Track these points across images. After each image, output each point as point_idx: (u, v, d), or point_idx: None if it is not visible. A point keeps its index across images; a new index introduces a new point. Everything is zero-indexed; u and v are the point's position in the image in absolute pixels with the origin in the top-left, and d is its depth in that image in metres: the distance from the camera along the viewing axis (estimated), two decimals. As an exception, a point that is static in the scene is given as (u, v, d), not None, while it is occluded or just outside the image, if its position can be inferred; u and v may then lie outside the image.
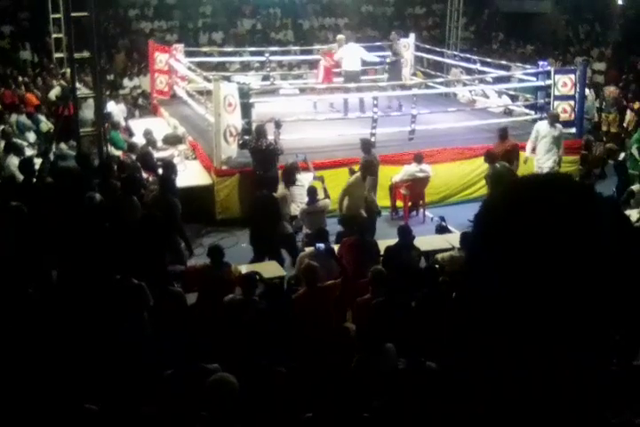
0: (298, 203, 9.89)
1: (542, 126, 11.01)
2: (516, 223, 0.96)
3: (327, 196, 9.53)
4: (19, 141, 11.64)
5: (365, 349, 5.63)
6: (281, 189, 9.18)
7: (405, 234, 7.84)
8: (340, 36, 14.59)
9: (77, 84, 9.76)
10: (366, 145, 10.03)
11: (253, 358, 5.53)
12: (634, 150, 11.97)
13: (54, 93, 14.68)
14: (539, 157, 10.89)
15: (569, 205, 0.96)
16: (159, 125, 13.02)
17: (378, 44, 17.84)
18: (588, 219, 0.96)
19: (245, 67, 18.17)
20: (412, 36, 16.88)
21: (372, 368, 5.26)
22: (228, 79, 12.77)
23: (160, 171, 9.07)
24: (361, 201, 9.21)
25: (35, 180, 7.85)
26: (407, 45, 16.44)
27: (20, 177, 8.69)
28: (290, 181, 9.22)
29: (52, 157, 10.86)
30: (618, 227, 0.98)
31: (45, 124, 13.65)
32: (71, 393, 4.25)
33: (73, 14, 8.68)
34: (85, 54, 9.04)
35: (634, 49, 20.46)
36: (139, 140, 11.56)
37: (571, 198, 0.98)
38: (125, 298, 5.96)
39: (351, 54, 13.58)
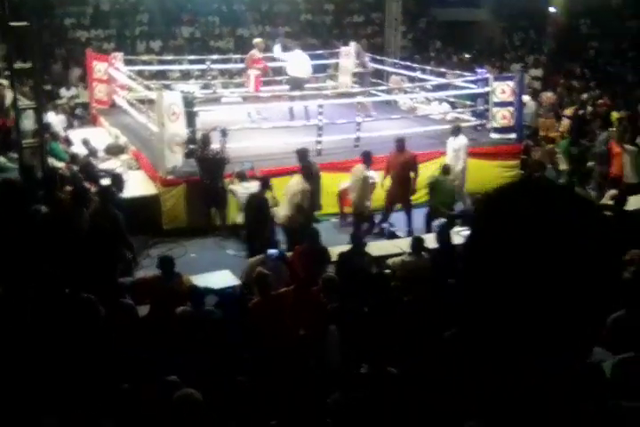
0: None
1: (448, 140, 11.33)
2: (508, 232, 0.98)
3: (276, 204, 9.54)
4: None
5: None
6: (302, 183, 9.31)
7: (357, 240, 7.90)
8: (256, 40, 14.52)
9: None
10: (302, 154, 10.01)
11: (212, 370, 5.48)
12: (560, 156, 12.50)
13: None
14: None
15: (558, 209, 1.00)
16: (100, 135, 12.81)
17: (319, 52, 17.98)
18: (578, 222, 0.99)
19: (185, 75, 18.01)
20: (353, 44, 17.03)
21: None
22: (168, 88, 12.65)
23: (104, 182, 8.94)
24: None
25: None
26: (348, 53, 16.58)
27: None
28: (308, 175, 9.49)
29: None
30: (599, 227, 1.02)
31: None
32: (30, 407, 4.13)
33: (12, 24, 8.45)
34: (26, 65, 8.82)
35: (568, 55, 21.12)
36: (78, 150, 11.34)
37: (559, 203, 1.01)
38: (76, 312, 5.83)
39: (298, 61, 13.61)
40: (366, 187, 10.00)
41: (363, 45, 19.96)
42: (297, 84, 13.53)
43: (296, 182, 9.39)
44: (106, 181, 9.47)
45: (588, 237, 0.98)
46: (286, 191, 9.44)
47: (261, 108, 13.24)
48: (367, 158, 10.11)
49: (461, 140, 11.19)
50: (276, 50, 14.45)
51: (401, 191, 10.30)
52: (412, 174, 10.34)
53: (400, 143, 10.50)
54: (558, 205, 1.00)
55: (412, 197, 10.89)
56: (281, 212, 9.37)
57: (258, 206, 9.11)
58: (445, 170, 10.37)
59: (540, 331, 0.98)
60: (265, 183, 9.31)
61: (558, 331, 0.98)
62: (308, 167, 9.75)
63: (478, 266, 1.02)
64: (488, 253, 1.00)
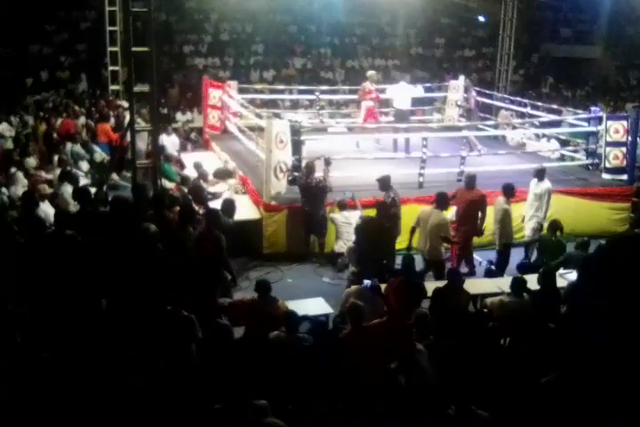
0: (345, 240, 9.91)
1: (531, 182, 10.55)
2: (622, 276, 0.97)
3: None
4: (74, 170, 11.91)
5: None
6: (441, 214, 9.20)
7: (454, 277, 7.77)
8: (370, 73, 14.73)
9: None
10: (384, 182, 9.84)
11: (297, 397, 5.49)
12: None
13: (109, 125, 15.04)
14: (524, 214, 10.51)
15: None
16: (210, 159, 13.24)
17: (427, 85, 18.01)
18: None
19: (295, 104, 18.42)
20: (462, 78, 16.98)
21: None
22: (278, 116, 12.96)
23: (212, 204, 9.21)
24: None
25: (91, 209, 7.99)
26: (457, 87, 16.53)
27: (74, 206, 8.86)
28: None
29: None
30: None
31: (99, 155, 13.97)
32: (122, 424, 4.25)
33: (134, 49, 8.90)
34: (144, 88, 9.24)
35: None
36: (190, 172, 11.75)
37: None
38: (175, 330, 5.99)
39: (402, 93, 13.71)
40: (507, 219, 9.77)
41: (472, 79, 19.91)
42: (400, 116, 13.58)
43: (434, 214, 9.22)
44: (215, 204, 9.76)
45: None
46: (422, 222, 9.29)
47: (369, 138, 13.37)
48: (508, 191, 9.82)
49: (545, 185, 10.33)
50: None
51: (465, 231, 9.67)
52: (479, 214, 9.71)
53: (470, 180, 9.90)
54: None
55: (519, 235, 10.63)
56: (422, 244, 9.30)
57: (373, 231, 8.97)
58: (553, 227, 9.47)
59: None
60: (382, 209, 9.21)
61: None
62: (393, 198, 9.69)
63: (600, 311, 1.02)
64: (612, 298, 1.00)
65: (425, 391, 5.37)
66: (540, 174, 10.40)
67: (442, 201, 9.28)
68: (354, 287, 7.88)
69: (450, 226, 9.34)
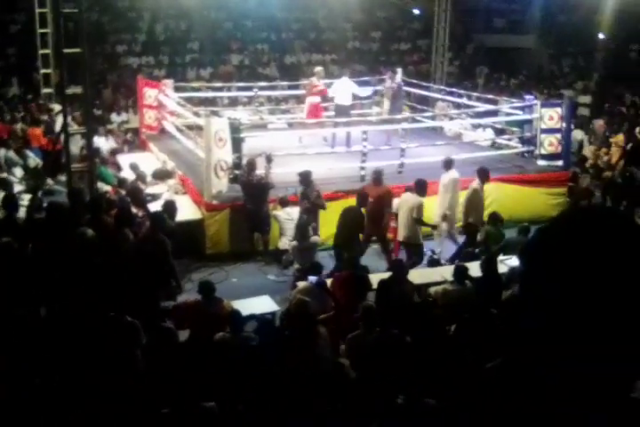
0: (288, 237, 9.89)
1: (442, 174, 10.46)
2: (557, 261, 0.98)
3: (316, 233, 9.59)
4: (8, 177, 11.59)
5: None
6: (416, 197, 9.51)
7: (399, 268, 7.83)
8: (317, 69, 14.66)
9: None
10: (377, 175, 10.01)
11: (246, 397, 5.45)
12: None
13: (40, 129, 14.69)
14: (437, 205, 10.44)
15: (619, 237, 0.99)
16: (148, 160, 13.03)
17: (365, 78, 18.09)
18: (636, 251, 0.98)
19: (234, 102, 18.28)
20: (399, 70, 17.10)
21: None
22: (217, 114, 12.84)
23: (151, 208, 9.07)
24: None
25: (25, 215, 7.79)
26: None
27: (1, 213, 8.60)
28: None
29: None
30: None
31: (33, 160, 13.63)
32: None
33: (65, 50, 8.69)
34: (77, 90, 9.04)
35: (618, 82, 20.82)
36: (127, 174, 11.55)
37: (618, 231, 1.00)
38: (119, 336, 5.87)
39: (343, 89, 13.71)
40: (475, 200, 9.96)
41: (409, 72, 20.10)
42: (341, 111, 13.60)
43: (412, 198, 9.54)
44: (153, 206, 9.61)
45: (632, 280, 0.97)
46: (399, 207, 9.64)
47: (312, 134, 13.36)
48: (483, 175, 10.09)
49: (451, 175, 10.31)
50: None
51: (374, 227, 9.66)
52: (386, 210, 9.74)
53: (377, 175, 9.90)
54: (614, 234, 1.00)
55: (458, 224, 10.78)
56: (400, 229, 9.60)
57: (352, 219, 9.23)
58: (493, 219, 9.65)
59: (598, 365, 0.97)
60: (363, 199, 9.45)
61: (613, 366, 0.97)
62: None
63: (534, 296, 1.02)
64: (546, 282, 1.00)
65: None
66: (447, 165, 10.39)
67: (421, 187, 9.57)
68: (301, 284, 7.88)
69: (423, 208, 9.55)
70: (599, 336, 0.96)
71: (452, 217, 10.28)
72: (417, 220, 9.50)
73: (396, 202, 9.97)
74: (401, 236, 9.72)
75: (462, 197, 10.22)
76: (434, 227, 10.10)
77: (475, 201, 10.07)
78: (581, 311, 0.95)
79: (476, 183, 10.14)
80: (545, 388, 1.01)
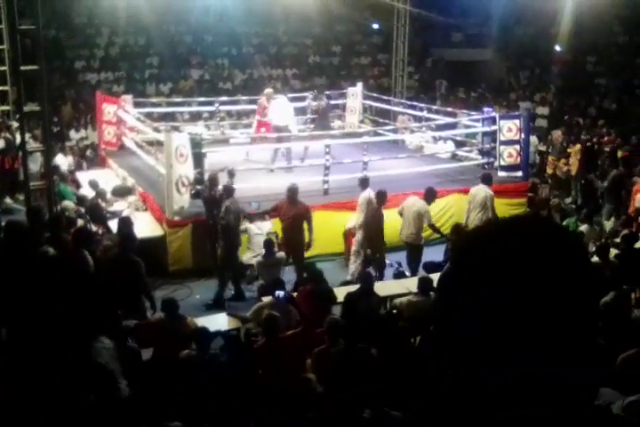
0: (254, 252, 9.83)
1: None
2: (493, 264, 0.98)
3: (281, 249, 9.57)
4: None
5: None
6: (426, 206, 10.04)
7: (367, 280, 7.83)
8: (266, 91, 14.44)
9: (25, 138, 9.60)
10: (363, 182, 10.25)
11: (215, 415, 5.38)
12: None
13: (-1, 147, 14.43)
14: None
15: (543, 243, 0.99)
16: (108, 177, 12.89)
17: (326, 92, 18.17)
18: (562, 257, 0.99)
19: (194, 117, 18.21)
20: (360, 84, 17.25)
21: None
22: (177, 129, 12.77)
23: (111, 225, 8.94)
24: None
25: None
26: (355, 94, 16.78)
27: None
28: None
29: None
30: (584, 262, 1.02)
31: (-10, 179, 13.38)
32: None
33: (22, 67, 8.56)
34: (35, 108, 8.91)
35: (575, 93, 21.24)
36: (86, 191, 11.40)
37: (545, 236, 1.01)
38: (79, 354, 5.76)
39: (278, 109, 13.36)
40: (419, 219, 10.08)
41: (370, 86, 20.25)
42: (278, 131, 13.14)
43: (418, 203, 10.04)
44: (113, 223, 9.48)
45: (564, 280, 0.97)
46: (406, 209, 10.10)
47: (268, 148, 13.31)
48: (430, 195, 10.18)
49: (364, 194, 10.03)
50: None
51: (290, 246, 9.70)
52: (305, 226, 9.67)
53: (291, 193, 9.71)
54: (543, 238, 1.00)
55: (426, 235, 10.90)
56: (404, 230, 10.06)
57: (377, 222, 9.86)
58: (457, 230, 9.53)
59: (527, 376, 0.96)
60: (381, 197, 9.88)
61: (547, 372, 0.96)
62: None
63: (474, 300, 1.02)
64: (484, 286, 1.00)
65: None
66: (362, 184, 10.23)
67: (430, 195, 10.14)
68: (265, 299, 7.83)
69: (430, 214, 10.06)
70: (540, 337, 0.96)
71: (360, 236, 10.05)
72: (431, 226, 10.14)
73: (400, 205, 10.36)
74: (404, 236, 10.08)
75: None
76: (444, 235, 10.23)
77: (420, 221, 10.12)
78: (521, 312, 0.96)
79: (422, 204, 10.14)
80: (486, 392, 1.01)
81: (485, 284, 0.98)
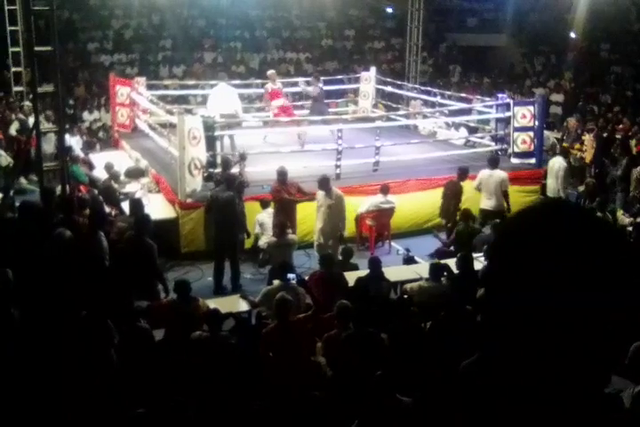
0: (268, 236, 9.82)
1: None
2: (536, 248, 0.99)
3: (293, 231, 9.57)
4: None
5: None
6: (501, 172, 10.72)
7: (375, 265, 7.84)
8: (269, 72, 14.35)
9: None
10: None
11: (225, 396, 5.43)
12: None
13: (14, 128, 14.47)
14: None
15: (581, 228, 1.00)
16: (121, 159, 12.91)
17: (339, 77, 18.15)
18: (600, 245, 0.99)
19: (207, 100, 18.14)
20: (373, 69, 17.16)
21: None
22: (190, 112, 12.75)
23: (125, 207, 8.97)
24: None
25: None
26: (368, 78, 16.70)
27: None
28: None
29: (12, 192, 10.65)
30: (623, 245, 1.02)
31: (5, 159, 13.43)
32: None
33: (36, 48, 8.57)
34: (49, 88, 8.92)
35: (589, 80, 21.06)
36: (99, 173, 11.44)
37: (582, 223, 1.02)
38: (91, 335, 5.81)
39: (220, 97, 12.99)
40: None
41: (383, 71, 20.14)
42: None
43: (493, 172, 10.65)
44: (126, 205, 9.51)
45: (609, 261, 0.98)
46: (484, 183, 10.64)
47: (284, 132, 13.28)
48: (463, 173, 10.57)
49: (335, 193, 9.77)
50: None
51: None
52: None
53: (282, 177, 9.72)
54: (579, 227, 1.01)
55: (434, 222, 10.98)
56: (487, 200, 10.60)
57: (452, 192, 10.45)
58: (465, 217, 9.93)
59: (561, 359, 0.97)
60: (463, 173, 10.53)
61: (579, 359, 0.97)
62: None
63: (500, 291, 1.02)
64: (511, 279, 1.00)
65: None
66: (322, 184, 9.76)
67: (463, 173, 10.60)
68: (275, 283, 7.85)
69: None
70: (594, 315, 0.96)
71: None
72: (505, 192, 10.62)
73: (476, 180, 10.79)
74: (489, 206, 10.57)
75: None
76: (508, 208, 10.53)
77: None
78: (574, 285, 0.96)
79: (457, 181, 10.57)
80: (517, 385, 1.01)
81: (536, 261, 0.98)
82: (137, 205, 8.75)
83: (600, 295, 0.96)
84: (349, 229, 10.78)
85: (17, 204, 8.46)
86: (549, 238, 0.99)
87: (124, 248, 7.54)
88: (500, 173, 10.74)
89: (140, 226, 7.80)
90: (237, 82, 17.63)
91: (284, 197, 9.67)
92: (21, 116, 14.94)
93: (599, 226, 1.02)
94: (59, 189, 8.71)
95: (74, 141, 13.56)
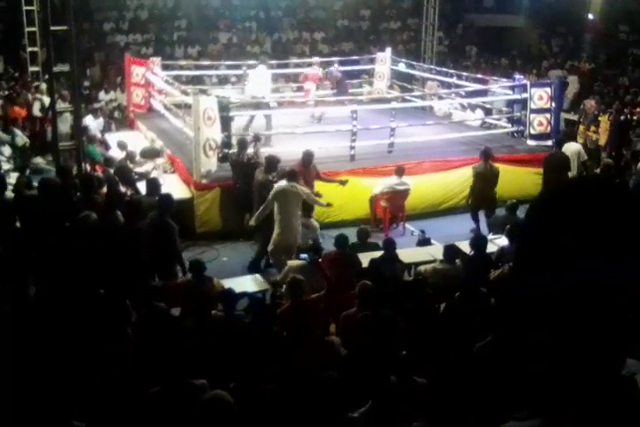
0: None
1: None
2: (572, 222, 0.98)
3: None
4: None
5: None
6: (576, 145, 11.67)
7: (390, 247, 7.84)
8: (314, 59, 14.68)
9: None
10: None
11: (239, 375, 5.47)
12: None
13: (37, 108, 14.53)
14: None
15: (618, 204, 1.00)
16: (136, 139, 12.94)
17: (354, 57, 18.02)
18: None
19: (222, 80, 18.14)
20: (389, 49, 17.05)
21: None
22: (205, 93, 12.74)
23: (140, 187, 9.01)
24: None
25: (15, 193, 7.72)
26: (384, 59, 16.59)
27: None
28: None
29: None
30: None
31: (21, 139, 13.49)
32: (57, 410, 4.15)
33: (52, 28, 8.58)
34: (64, 68, 8.94)
35: (607, 62, 20.80)
36: (115, 153, 11.47)
37: (618, 199, 1.01)
38: (108, 314, 5.87)
39: (258, 79, 13.11)
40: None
41: (399, 51, 19.99)
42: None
43: (570, 146, 11.45)
44: (141, 185, 9.54)
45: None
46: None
47: (301, 113, 13.28)
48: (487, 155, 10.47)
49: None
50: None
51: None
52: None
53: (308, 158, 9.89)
54: (615, 204, 1.00)
55: (449, 203, 10.93)
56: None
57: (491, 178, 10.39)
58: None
59: (587, 338, 0.97)
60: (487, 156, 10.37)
61: (603, 339, 0.97)
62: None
63: (530, 273, 1.02)
64: (543, 259, 0.99)
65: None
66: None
67: (487, 154, 10.49)
68: (296, 262, 7.87)
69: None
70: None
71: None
72: (584, 163, 11.38)
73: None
74: None
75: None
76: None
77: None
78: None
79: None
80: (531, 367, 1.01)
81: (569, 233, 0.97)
82: (153, 185, 8.78)
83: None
84: (364, 210, 10.80)
85: (34, 183, 8.50)
86: (584, 217, 0.98)
87: (149, 230, 7.57)
88: (574, 146, 11.54)
89: (163, 206, 7.84)
90: (252, 62, 17.60)
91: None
92: (38, 96, 14.98)
93: (634, 202, 1.01)
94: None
95: (96, 123, 13.61)
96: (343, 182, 10.14)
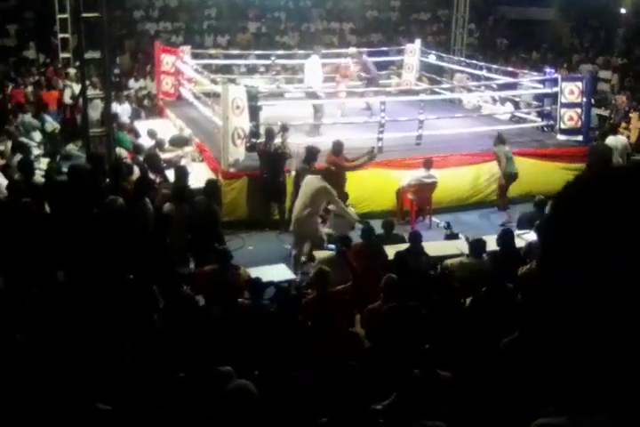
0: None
1: None
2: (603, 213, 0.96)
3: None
4: (25, 141, 11.61)
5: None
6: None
7: (416, 239, 7.82)
8: (351, 50, 14.48)
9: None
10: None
11: (263, 363, 5.50)
12: None
13: (67, 95, 14.67)
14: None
15: None
16: (165, 127, 13.01)
17: (383, 49, 17.92)
18: None
19: (251, 70, 18.16)
20: (418, 41, 16.94)
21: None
22: (234, 82, 12.76)
23: (169, 174, 9.09)
24: None
25: (45, 179, 7.81)
26: (413, 51, 16.48)
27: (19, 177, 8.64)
28: None
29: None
30: None
31: (51, 125, 13.63)
32: (83, 392, 4.21)
33: (84, 15, 8.63)
34: (95, 55, 9.00)
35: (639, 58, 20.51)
36: (144, 141, 11.55)
37: None
38: (136, 299, 5.93)
39: (311, 69, 12.96)
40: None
41: (429, 43, 19.84)
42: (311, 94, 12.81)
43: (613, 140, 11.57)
44: (169, 172, 9.61)
45: None
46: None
47: (332, 104, 13.22)
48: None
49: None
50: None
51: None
52: None
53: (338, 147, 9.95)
54: None
55: (477, 197, 10.89)
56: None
57: None
58: None
59: (615, 334, 0.94)
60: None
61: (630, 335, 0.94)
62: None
63: (557, 267, 1.00)
64: (570, 253, 0.98)
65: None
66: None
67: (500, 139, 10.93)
68: (326, 253, 7.89)
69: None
70: None
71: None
72: (629, 154, 11.74)
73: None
74: None
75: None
76: None
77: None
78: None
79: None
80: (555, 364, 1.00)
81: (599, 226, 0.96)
82: (181, 172, 8.85)
83: None
84: (391, 202, 10.78)
85: (64, 168, 8.60)
86: (610, 211, 0.97)
87: (199, 217, 7.77)
88: (620, 139, 11.74)
89: (210, 192, 8.00)
90: (280, 52, 17.61)
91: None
92: (68, 82, 15.12)
93: None
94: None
95: (121, 109, 13.71)
96: (372, 156, 10.24)
